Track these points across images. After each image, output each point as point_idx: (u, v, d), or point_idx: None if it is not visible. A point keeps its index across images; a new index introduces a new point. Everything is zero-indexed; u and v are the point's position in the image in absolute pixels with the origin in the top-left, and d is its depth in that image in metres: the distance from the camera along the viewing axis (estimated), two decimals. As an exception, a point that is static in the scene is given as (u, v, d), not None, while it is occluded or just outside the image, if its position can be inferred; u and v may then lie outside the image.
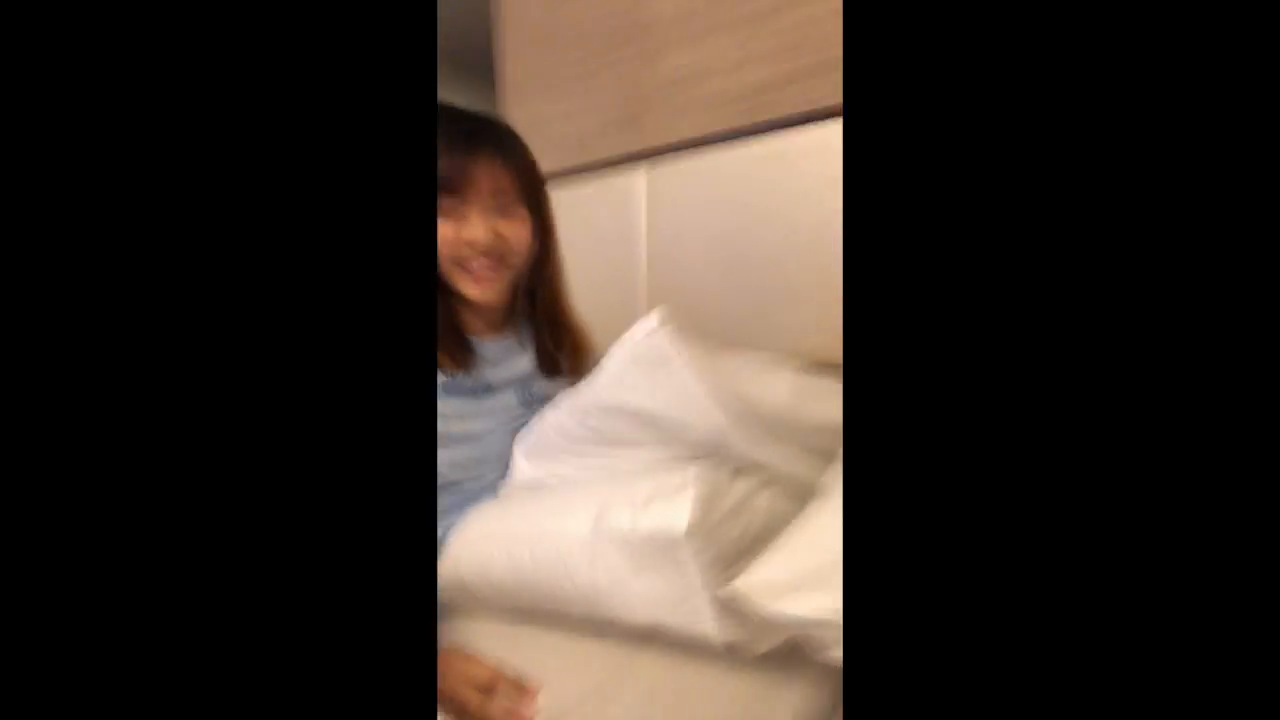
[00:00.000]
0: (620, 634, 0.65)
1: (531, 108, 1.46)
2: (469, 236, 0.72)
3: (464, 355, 0.78)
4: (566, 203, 0.91)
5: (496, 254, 0.75)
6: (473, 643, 0.65)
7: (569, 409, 0.75)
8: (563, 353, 0.88)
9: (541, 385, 0.85)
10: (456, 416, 0.75)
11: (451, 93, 0.97)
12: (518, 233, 0.77)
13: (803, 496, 0.68)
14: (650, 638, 0.63)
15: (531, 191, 0.78)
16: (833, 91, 0.95)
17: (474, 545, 0.69)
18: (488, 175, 0.72)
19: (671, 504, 0.58)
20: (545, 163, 0.83)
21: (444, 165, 0.70)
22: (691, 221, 1.10)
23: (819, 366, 0.83)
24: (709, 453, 0.67)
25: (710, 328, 0.99)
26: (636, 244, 1.18)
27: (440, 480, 0.73)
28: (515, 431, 0.81)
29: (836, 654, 0.52)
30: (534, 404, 0.83)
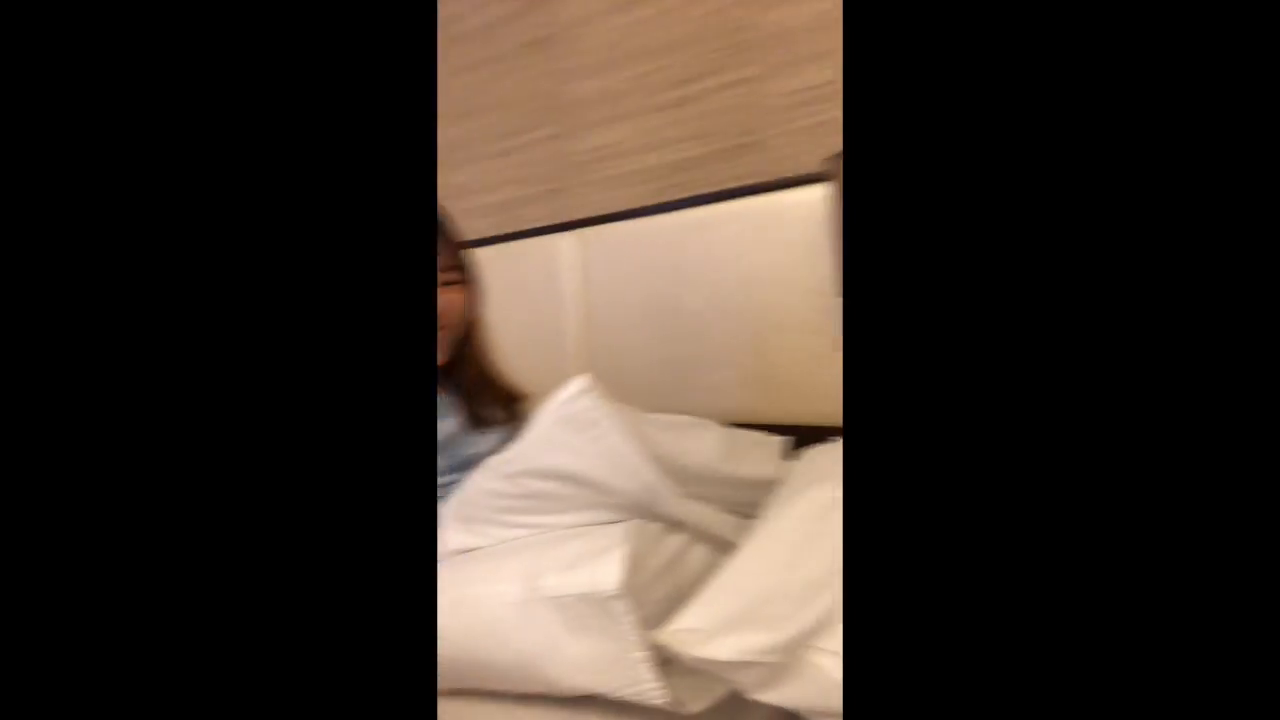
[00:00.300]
0: (556, 702, 0.64)
1: (456, 177, 1.49)
2: None
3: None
4: (494, 260, 0.94)
5: (442, 324, 0.79)
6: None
7: (496, 472, 0.74)
8: (492, 407, 0.89)
9: (467, 448, 0.85)
10: None
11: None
12: (457, 301, 0.81)
13: (728, 551, 0.69)
14: (588, 703, 0.62)
15: (464, 260, 0.83)
16: (742, 173, 1.03)
17: (398, 617, 0.66)
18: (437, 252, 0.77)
19: (601, 563, 0.58)
20: (472, 229, 0.86)
21: None
22: (618, 282, 1.15)
23: (742, 424, 0.87)
24: (639, 511, 0.68)
25: (637, 385, 1.02)
26: (563, 301, 1.21)
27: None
28: (440, 498, 0.79)
29: (766, 694, 0.53)
30: (459, 469, 0.82)
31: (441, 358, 0.81)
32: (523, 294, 1.24)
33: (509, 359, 0.93)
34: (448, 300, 0.80)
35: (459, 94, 1.45)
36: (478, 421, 0.87)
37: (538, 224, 1.25)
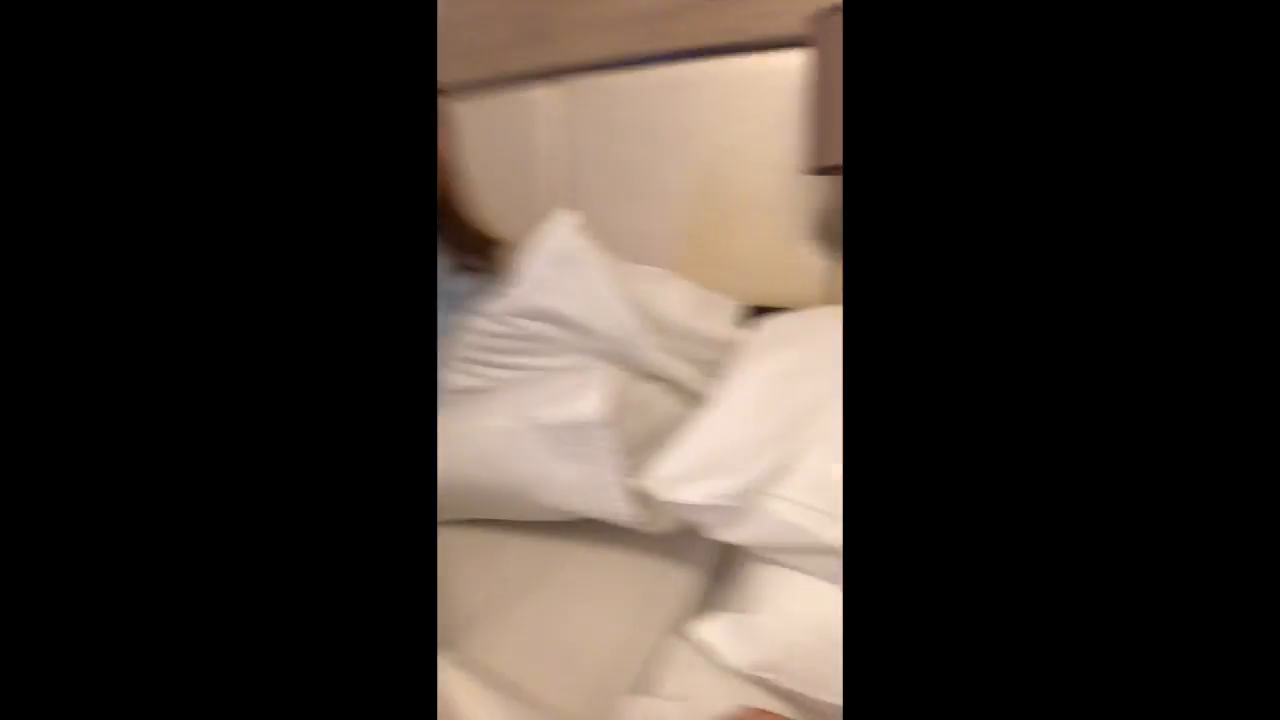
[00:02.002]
0: (533, 530, 0.73)
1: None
2: None
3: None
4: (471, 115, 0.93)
5: None
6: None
7: (492, 314, 0.80)
8: (469, 253, 0.91)
9: (459, 283, 0.89)
10: None
11: None
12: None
13: (693, 402, 0.77)
14: (569, 528, 0.72)
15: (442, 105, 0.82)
16: (731, 26, 0.99)
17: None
18: None
19: (585, 394, 0.66)
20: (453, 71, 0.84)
21: None
22: (594, 142, 1.14)
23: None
24: (616, 359, 0.75)
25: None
26: (536, 160, 1.21)
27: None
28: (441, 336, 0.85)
29: (724, 533, 0.63)
30: (454, 303, 0.86)
31: None
32: (497, 142, 1.23)
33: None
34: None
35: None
36: (457, 265, 0.91)
37: (521, 69, 1.21)
